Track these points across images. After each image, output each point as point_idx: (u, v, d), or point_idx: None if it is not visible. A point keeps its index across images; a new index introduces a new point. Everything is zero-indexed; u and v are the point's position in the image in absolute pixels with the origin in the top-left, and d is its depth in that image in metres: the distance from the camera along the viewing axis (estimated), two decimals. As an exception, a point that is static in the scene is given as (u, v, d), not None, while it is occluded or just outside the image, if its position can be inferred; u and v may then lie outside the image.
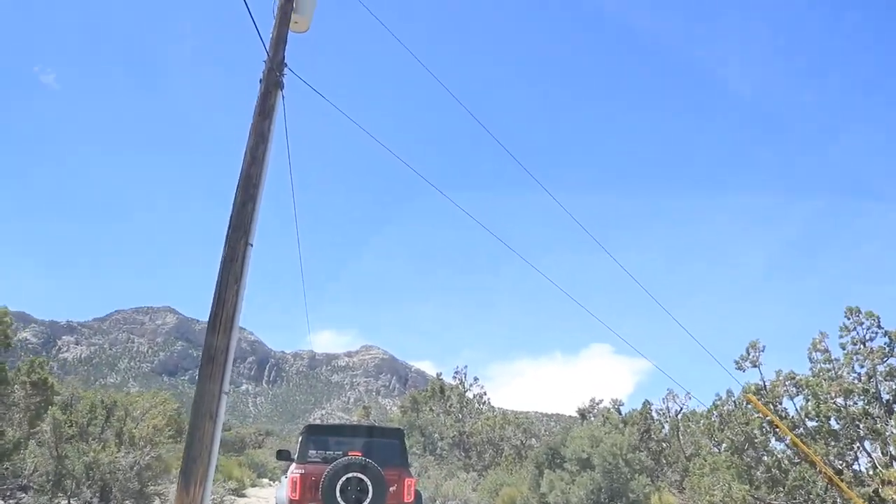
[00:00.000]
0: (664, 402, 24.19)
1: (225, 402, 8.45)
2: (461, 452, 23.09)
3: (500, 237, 11.37)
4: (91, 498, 9.45)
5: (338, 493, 9.67)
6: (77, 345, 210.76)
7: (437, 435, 23.44)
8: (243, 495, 19.53)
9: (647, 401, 23.87)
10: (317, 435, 10.96)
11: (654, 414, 23.63)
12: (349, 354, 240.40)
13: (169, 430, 10.62)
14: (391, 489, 10.01)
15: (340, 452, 10.32)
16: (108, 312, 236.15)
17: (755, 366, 12.84)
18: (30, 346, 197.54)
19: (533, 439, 24.37)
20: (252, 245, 9.10)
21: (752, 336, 13.42)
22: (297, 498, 9.98)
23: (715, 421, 22.45)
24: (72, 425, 9.69)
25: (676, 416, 23.52)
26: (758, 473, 12.09)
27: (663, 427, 23.50)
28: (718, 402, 13.04)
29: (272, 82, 9.49)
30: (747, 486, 11.65)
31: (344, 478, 9.71)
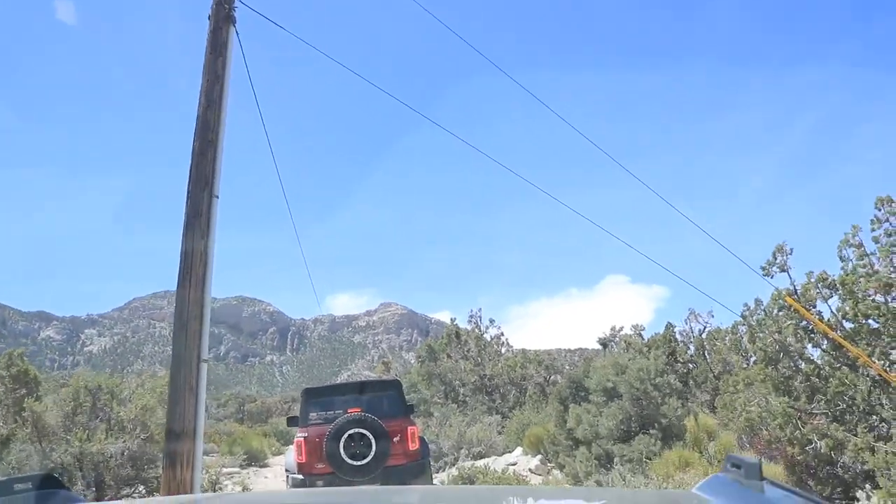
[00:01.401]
0: (686, 323, 23.45)
1: (205, 370, 7.66)
2: (484, 396, 22.49)
3: (507, 172, 10.47)
4: (84, 490, 8.78)
5: (342, 451, 9.75)
6: (100, 336, 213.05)
7: (457, 382, 22.82)
8: (265, 465, 19.06)
9: (669, 323, 23.08)
10: (316, 397, 10.95)
11: (677, 336, 22.95)
12: (368, 314, 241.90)
13: (162, 409, 9.94)
14: (395, 440, 10.07)
15: (340, 412, 10.33)
16: (126, 301, 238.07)
17: (783, 270, 11.95)
18: (54, 343, 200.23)
19: (556, 376, 23.77)
20: (217, 197, 8.20)
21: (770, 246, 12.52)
22: (304, 461, 10.08)
23: (743, 334, 21.73)
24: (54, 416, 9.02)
25: (701, 335, 22.84)
26: (795, 384, 11.32)
27: (688, 348, 22.82)
28: (747, 313, 12.16)
29: (222, 16, 8.46)
30: (786, 398, 10.85)
31: (346, 435, 9.79)
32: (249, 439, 20.08)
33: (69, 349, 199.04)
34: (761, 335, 11.67)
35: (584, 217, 9.75)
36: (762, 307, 11.81)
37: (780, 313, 11.54)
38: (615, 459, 11.51)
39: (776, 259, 12.33)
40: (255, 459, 18.82)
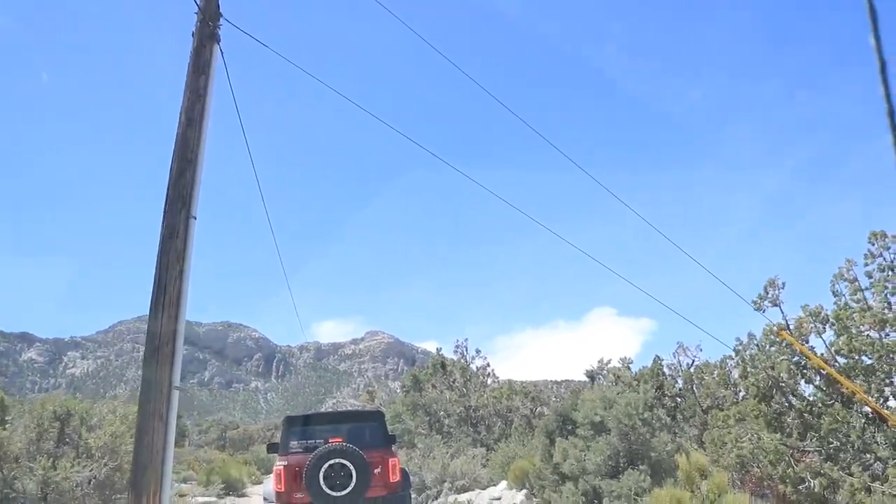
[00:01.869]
0: (675, 357, 23.20)
1: (177, 398, 7.30)
2: (469, 428, 22.07)
3: (497, 205, 10.28)
4: (44, 521, 8.37)
5: (322, 481, 9.62)
6: (83, 359, 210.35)
7: (442, 412, 22.41)
8: (243, 494, 18.54)
9: (657, 356, 22.86)
10: (297, 426, 10.89)
11: (665, 369, 22.67)
12: (355, 342, 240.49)
13: (132, 436, 9.56)
14: (376, 471, 9.99)
15: (322, 441, 10.24)
16: (110, 324, 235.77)
17: (776, 305, 11.76)
18: (36, 365, 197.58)
19: (543, 408, 23.41)
20: (195, 218, 7.90)
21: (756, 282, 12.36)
22: (283, 489, 9.99)
23: (734, 367, 21.48)
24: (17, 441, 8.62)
25: (689, 368, 22.59)
26: (788, 420, 11.06)
27: (676, 382, 22.54)
28: (739, 347, 11.92)
29: (206, 34, 8.25)
30: (778, 435, 10.59)
31: (326, 464, 9.67)
32: (228, 467, 19.56)
33: (51, 371, 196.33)
34: (753, 370, 11.44)
35: (579, 250, 9.53)
36: (755, 341, 11.60)
37: (773, 348, 11.32)
38: (603, 496, 11.18)
39: (768, 293, 12.14)
40: (233, 489, 18.30)
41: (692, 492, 8.16)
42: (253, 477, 22.45)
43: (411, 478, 16.03)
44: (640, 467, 11.33)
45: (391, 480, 10.21)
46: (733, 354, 11.88)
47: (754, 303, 12.08)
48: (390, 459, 10.35)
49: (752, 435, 11.01)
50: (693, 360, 23.22)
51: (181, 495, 16.98)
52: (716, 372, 21.92)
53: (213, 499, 16.49)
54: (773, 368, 11.14)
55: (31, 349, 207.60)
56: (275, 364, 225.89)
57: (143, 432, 6.84)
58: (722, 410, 19.69)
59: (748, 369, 11.66)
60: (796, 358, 11.19)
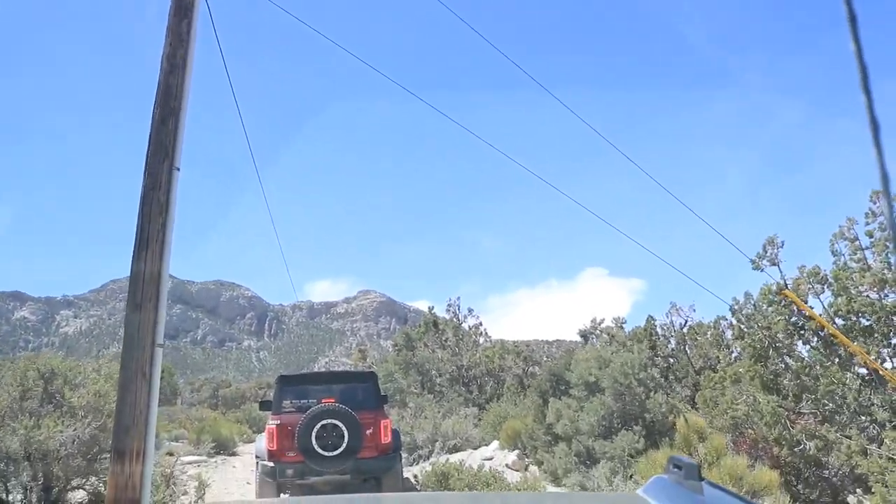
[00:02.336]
0: (668, 317, 23.10)
1: (160, 355, 7.06)
2: (461, 387, 22.03)
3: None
4: (29, 482, 8.19)
5: (314, 441, 9.73)
6: (76, 318, 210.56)
7: (434, 371, 22.35)
8: (234, 453, 18.48)
9: (650, 316, 22.77)
10: (290, 385, 11.02)
11: (658, 330, 22.60)
12: (347, 301, 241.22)
13: (116, 395, 9.36)
14: (367, 431, 10.09)
15: (314, 400, 10.32)
16: (103, 283, 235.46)
17: (774, 264, 11.57)
18: (28, 323, 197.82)
19: (535, 367, 23.36)
20: (179, 169, 7.55)
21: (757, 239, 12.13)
22: (274, 448, 10.07)
23: (728, 327, 21.41)
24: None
25: (682, 329, 22.53)
26: (784, 382, 10.93)
27: (669, 342, 22.48)
28: (735, 307, 11.74)
29: (188, -24, 7.93)
30: (774, 397, 10.45)
31: (319, 425, 9.77)
32: (219, 426, 19.46)
33: (44, 330, 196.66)
34: (750, 330, 11.29)
35: (582, 206, 9.23)
36: (752, 301, 11.42)
37: (770, 308, 11.15)
38: (597, 457, 11.09)
39: (766, 252, 11.92)
40: (223, 447, 18.23)
41: (690, 454, 8.02)
42: (244, 436, 22.39)
43: (402, 437, 16.03)
44: (635, 428, 11.22)
45: (382, 441, 10.29)
46: (729, 314, 11.70)
47: (752, 262, 11.88)
48: (382, 421, 10.42)
49: (748, 396, 10.89)
50: (686, 321, 23.12)
51: (170, 454, 16.89)
52: (709, 332, 21.83)
53: (202, 457, 16.41)
54: (769, 329, 10.98)
55: (24, 308, 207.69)
56: (267, 323, 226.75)
57: (125, 391, 6.60)
58: (715, 372, 19.67)
59: (744, 329, 11.48)
60: (794, 318, 11.04)
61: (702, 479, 1.83)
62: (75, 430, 8.15)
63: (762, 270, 11.93)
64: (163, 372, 23.93)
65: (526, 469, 13.21)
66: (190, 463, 15.70)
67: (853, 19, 1.03)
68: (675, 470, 1.91)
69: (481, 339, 24.66)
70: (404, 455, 15.89)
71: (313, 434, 9.77)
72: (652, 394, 11.84)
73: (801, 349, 11.69)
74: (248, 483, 14.11)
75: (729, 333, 21.95)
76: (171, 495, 9.07)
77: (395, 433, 11.20)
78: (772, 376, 10.90)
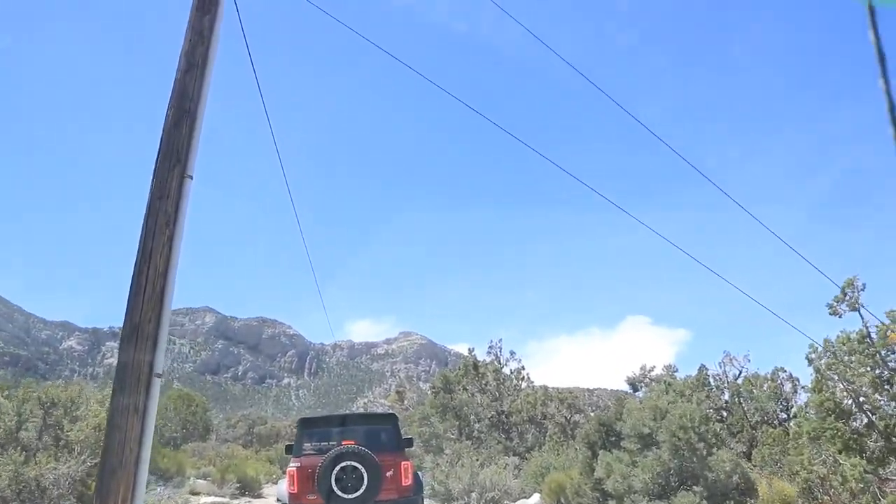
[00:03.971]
0: (721, 367, 21.78)
1: (157, 388, 6.17)
2: (501, 434, 20.77)
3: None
4: (15, 523, 7.32)
5: (333, 483, 9.67)
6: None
7: (472, 416, 21.15)
8: (259, 495, 17.50)
9: (702, 365, 21.53)
10: (311, 427, 11.06)
11: (710, 380, 21.24)
12: (388, 342, 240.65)
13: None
14: (388, 474, 10.02)
15: (335, 443, 10.32)
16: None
17: (854, 309, 10.33)
18: (75, 353, 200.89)
19: (578, 416, 22.08)
20: (191, 178, 6.75)
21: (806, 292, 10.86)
22: (295, 491, 10.05)
23: (784, 381, 19.92)
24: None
25: (736, 380, 21.20)
26: (869, 442, 9.63)
27: (723, 393, 21.10)
28: (813, 356, 10.48)
29: (213, -32, 7.26)
30: (861, 459, 9.15)
31: (338, 467, 9.73)
32: (244, 466, 18.53)
33: (90, 360, 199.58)
34: (830, 382, 10.01)
35: (657, 233, 8.26)
36: (832, 349, 10.14)
37: (853, 358, 9.89)
38: (652, 520, 9.87)
39: (846, 296, 10.72)
40: (248, 488, 17.28)
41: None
42: (273, 476, 21.47)
43: (437, 486, 14.96)
44: (695, 489, 9.98)
45: (403, 484, 10.21)
46: (808, 361, 10.41)
47: (829, 306, 10.68)
48: (402, 463, 10.33)
49: (827, 457, 9.60)
50: (740, 371, 21.75)
51: (194, 493, 16.03)
52: (766, 384, 20.42)
53: (224, 499, 15.46)
54: (852, 381, 9.72)
55: (72, 337, 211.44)
56: (308, 361, 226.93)
57: (113, 428, 5.70)
58: (774, 427, 18.20)
59: (823, 380, 10.21)
60: (879, 371, 9.76)
61: None
62: (69, 467, 7.29)
63: (840, 316, 10.73)
64: (196, 406, 23.17)
65: (570, 528, 11.99)
66: (207, 506, 14.80)
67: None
68: None
69: (523, 384, 23.41)
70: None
71: (333, 476, 9.70)
72: (714, 450, 10.60)
73: (887, 406, 10.40)
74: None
75: (788, 386, 20.55)
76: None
77: (417, 476, 11.00)
78: (854, 435, 9.62)
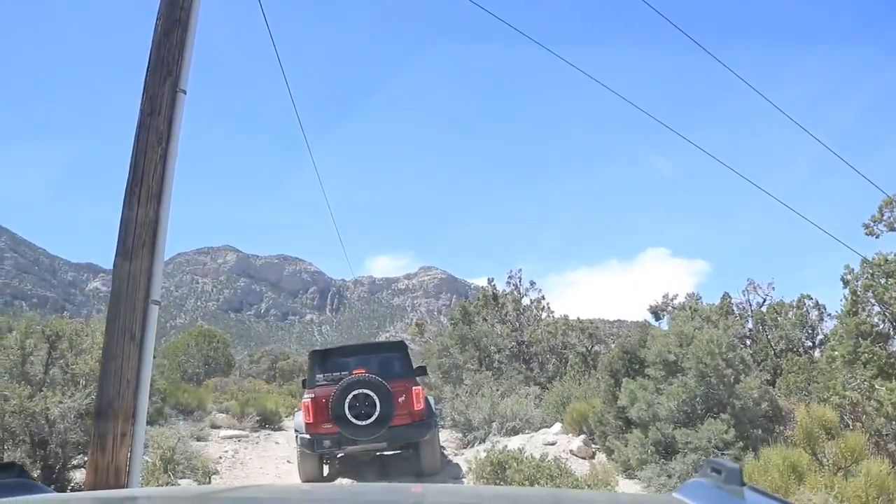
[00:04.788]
0: (744, 295, 21.34)
1: (155, 315, 5.83)
2: (521, 364, 20.59)
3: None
4: (22, 456, 7.15)
5: (347, 411, 9.97)
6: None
7: (493, 347, 20.94)
8: (280, 428, 17.49)
9: (726, 293, 21.11)
10: (322, 359, 11.38)
11: (734, 309, 20.85)
12: (408, 277, 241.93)
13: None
14: (399, 399, 10.31)
15: (346, 372, 10.54)
16: (170, 256, 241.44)
17: (893, 229, 9.78)
18: (101, 294, 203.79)
19: (599, 346, 21.81)
20: (185, 92, 6.30)
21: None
22: (311, 421, 10.39)
23: (810, 308, 19.48)
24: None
25: (760, 307, 20.77)
26: (906, 366, 9.21)
27: (746, 322, 20.72)
28: (849, 277, 9.99)
29: None
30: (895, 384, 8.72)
31: (351, 395, 10.01)
32: (264, 399, 18.50)
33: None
34: (864, 304, 9.54)
35: (706, 152, 7.74)
36: (869, 272, 9.62)
37: (891, 281, 9.36)
38: (678, 447, 9.58)
39: (882, 215, 10.17)
40: (268, 422, 17.26)
41: (814, 454, 6.45)
42: (296, 408, 21.52)
43: (457, 416, 14.83)
44: (722, 416, 9.65)
45: (415, 408, 10.48)
46: (843, 283, 9.91)
47: (866, 227, 10.14)
48: (413, 388, 10.59)
49: (861, 382, 9.19)
50: (765, 300, 21.28)
51: (214, 427, 16.01)
52: (791, 312, 20.03)
53: (244, 432, 15.44)
54: (889, 304, 9.24)
55: (97, 279, 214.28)
56: (329, 297, 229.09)
57: (110, 357, 5.41)
58: (799, 355, 17.82)
59: (859, 303, 9.73)
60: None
61: (744, 483, 1.71)
62: (74, 400, 7.06)
63: (878, 237, 10.20)
64: (217, 342, 22.95)
65: (593, 457, 11.77)
66: (229, 438, 14.75)
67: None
68: (714, 473, 1.80)
69: (543, 315, 23.10)
70: (458, 436, 14.75)
71: (346, 404, 9.98)
72: (742, 377, 10.23)
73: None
74: (287, 462, 13.04)
75: (814, 314, 20.11)
76: (168, 483, 7.89)
77: (429, 401, 11.36)
78: (891, 360, 9.20)
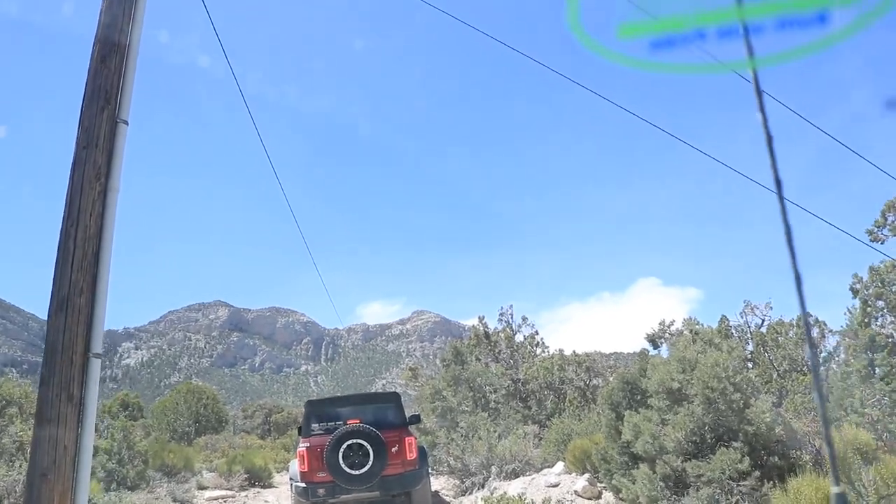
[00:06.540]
0: (741, 317, 20.83)
1: (97, 370, 5.18)
2: (518, 403, 19.83)
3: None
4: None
5: (341, 460, 10.15)
6: (137, 350, 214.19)
7: (487, 387, 20.19)
8: (270, 485, 16.63)
9: (723, 316, 20.62)
10: (318, 409, 11.55)
11: (732, 332, 20.32)
12: (402, 322, 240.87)
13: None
14: (393, 449, 10.51)
15: (341, 422, 10.77)
16: (161, 314, 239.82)
17: (898, 232, 9.27)
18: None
19: (597, 379, 21.10)
20: (126, 122, 5.73)
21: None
22: (306, 469, 10.51)
23: (817, 324, 18.95)
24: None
25: (759, 329, 20.24)
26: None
27: (746, 344, 20.18)
28: (858, 286, 9.43)
29: None
30: (919, 397, 8.11)
31: (345, 445, 10.19)
32: (252, 456, 17.64)
33: (107, 362, 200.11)
34: (876, 314, 8.97)
35: (728, 167, 7.24)
36: (881, 278, 9.05)
37: (902, 287, 8.81)
38: (689, 481, 8.89)
39: (886, 220, 9.67)
40: (257, 479, 16.41)
41: (849, 482, 5.81)
42: (287, 462, 20.64)
43: (453, 462, 14.10)
44: (734, 444, 8.98)
45: (408, 458, 10.65)
46: (853, 293, 9.35)
47: (869, 232, 9.63)
48: (406, 438, 10.76)
49: (882, 397, 8.58)
50: (763, 320, 20.73)
51: (201, 488, 15.19)
52: (792, 331, 19.50)
53: (230, 492, 14.60)
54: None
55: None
56: (324, 347, 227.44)
57: (44, 421, 4.73)
58: (804, 375, 17.22)
59: (869, 312, 9.16)
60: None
61: None
62: (21, 472, 6.35)
63: (882, 242, 9.69)
64: (207, 399, 22.13)
65: (599, 497, 11.05)
66: (215, 499, 13.91)
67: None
68: None
69: (538, 350, 22.42)
70: (455, 482, 14.03)
71: (340, 454, 10.15)
72: (752, 400, 9.59)
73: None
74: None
75: (815, 331, 19.56)
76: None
77: (422, 450, 11.48)
78: (909, 372, 8.60)
